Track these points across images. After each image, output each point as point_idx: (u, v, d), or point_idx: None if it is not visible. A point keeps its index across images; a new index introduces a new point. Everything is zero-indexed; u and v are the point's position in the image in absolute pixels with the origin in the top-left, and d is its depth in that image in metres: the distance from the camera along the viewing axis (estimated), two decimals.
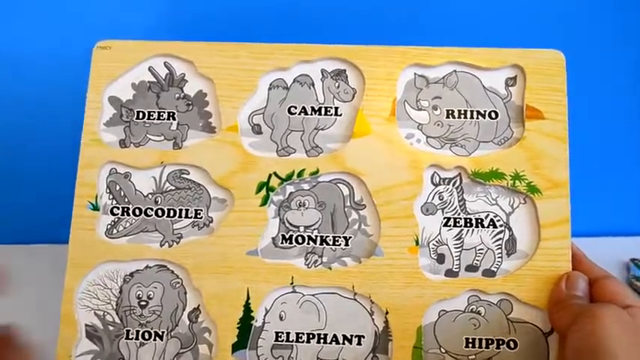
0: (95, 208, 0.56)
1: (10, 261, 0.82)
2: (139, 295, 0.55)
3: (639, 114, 0.81)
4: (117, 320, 0.55)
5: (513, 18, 0.79)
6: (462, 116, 0.57)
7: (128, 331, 0.55)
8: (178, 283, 0.55)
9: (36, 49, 0.83)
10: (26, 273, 0.78)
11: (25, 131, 0.85)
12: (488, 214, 0.55)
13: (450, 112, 0.57)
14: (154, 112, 0.58)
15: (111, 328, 0.55)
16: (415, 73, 0.58)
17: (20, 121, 0.85)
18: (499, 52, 0.57)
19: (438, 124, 0.57)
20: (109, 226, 0.56)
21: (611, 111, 0.81)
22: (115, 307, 0.55)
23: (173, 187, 0.57)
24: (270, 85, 0.58)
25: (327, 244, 0.55)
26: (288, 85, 0.58)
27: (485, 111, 0.57)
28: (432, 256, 0.55)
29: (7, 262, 0.81)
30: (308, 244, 0.56)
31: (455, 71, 0.58)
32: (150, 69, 0.59)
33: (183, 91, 0.58)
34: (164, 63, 0.59)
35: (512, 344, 0.53)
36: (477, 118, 0.57)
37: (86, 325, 0.55)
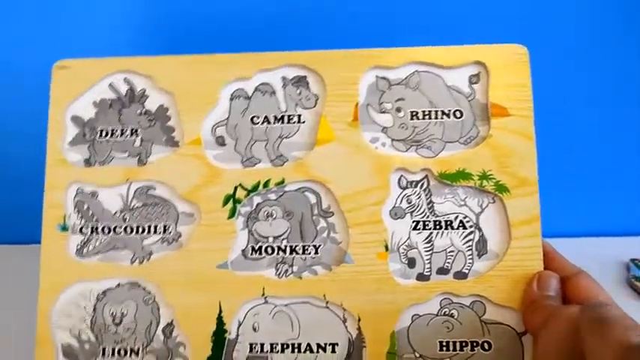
0: (64, 228, 0.56)
1: (11, 261, 0.83)
2: (112, 313, 0.55)
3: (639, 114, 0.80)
4: (92, 339, 0.55)
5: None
6: (427, 117, 0.56)
7: (104, 349, 0.55)
8: (151, 299, 0.55)
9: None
10: (26, 273, 0.79)
11: (25, 131, 0.85)
12: (457, 216, 0.55)
13: (414, 113, 0.56)
14: (117, 129, 0.58)
15: (87, 346, 0.55)
16: (377, 76, 0.57)
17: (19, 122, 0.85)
18: (461, 49, 0.56)
19: (403, 127, 0.56)
20: (78, 246, 0.56)
21: (610, 111, 0.80)
22: (90, 325, 0.55)
23: (140, 204, 0.57)
24: (232, 95, 0.57)
25: (297, 253, 0.55)
26: (250, 95, 0.57)
27: (449, 110, 0.56)
28: (403, 260, 0.55)
29: (8, 262, 0.82)
30: (278, 254, 0.55)
31: (417, 71, 0.56)
32: (110, 86, 0.58)
33: (144, 107, 0.58)
34: (124, 79, 0.58)
35: (486, 346, 0.53)
36: (442, 118, 0.56)
37: (62, 344, 0.55)
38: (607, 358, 0.39)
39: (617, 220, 0.77)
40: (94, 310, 0.56)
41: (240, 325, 0.55)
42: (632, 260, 0.76)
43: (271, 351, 0.54)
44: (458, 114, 0.56)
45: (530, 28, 0.78)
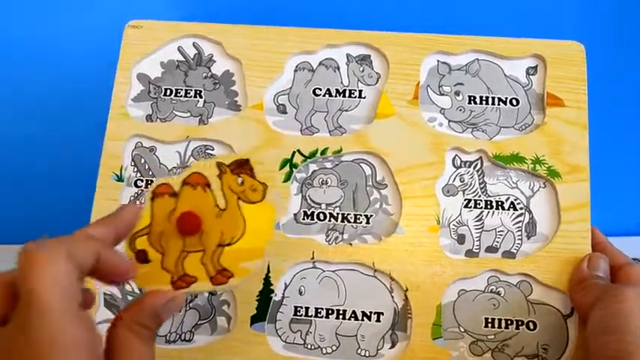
0: (119, 179, 0.57)
1: (11, 261, 0.82)
2: None
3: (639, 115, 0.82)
4: (136, 290, 0.55)
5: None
6: (484, 102, 0.58)
7: None
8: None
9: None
10: None
11: (28, 134, 0.85)
12: (508, 197, 0.56)
13: (472, 98, 0.58)
14: (182, 89, 0.59)
15: (130, 297, 0.55)
16: (438, 60, 0.59)
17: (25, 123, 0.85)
18: (521, 42, 0.59)
19: (460, 109, 0.58)
20: (132, 198, 0.57)
21: (610, 109, 0.81)
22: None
23: None
24: (296, 67, 0.60)
25: (349, 221, 0.56)
26: (314, 68, 0.59)
27: (506, 98, 0.58)
28: (453, 236, 0.55)
29: (8, 263, 0.81)
30: (329, 220, 0.56)
31: (477, 59, 0.59)
32: (179, 49, 0.60)
33: (210, 71, 0.60)
34: (193, 43, 0.60)
35: (531, 325, 0.53)
36: (499, 104, 0.58)
37: (105, 293, 0.55)
38: None
39: (617, 220, 0.77)
40: None
41: (286, 287, 0.55)
42: (633, 260, 0.76)
43: (316, 315, 0.54)
44: (514, 102, 0.58)
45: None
